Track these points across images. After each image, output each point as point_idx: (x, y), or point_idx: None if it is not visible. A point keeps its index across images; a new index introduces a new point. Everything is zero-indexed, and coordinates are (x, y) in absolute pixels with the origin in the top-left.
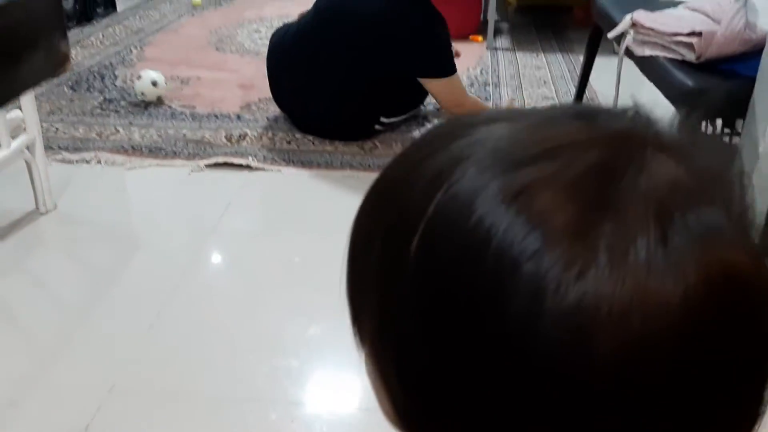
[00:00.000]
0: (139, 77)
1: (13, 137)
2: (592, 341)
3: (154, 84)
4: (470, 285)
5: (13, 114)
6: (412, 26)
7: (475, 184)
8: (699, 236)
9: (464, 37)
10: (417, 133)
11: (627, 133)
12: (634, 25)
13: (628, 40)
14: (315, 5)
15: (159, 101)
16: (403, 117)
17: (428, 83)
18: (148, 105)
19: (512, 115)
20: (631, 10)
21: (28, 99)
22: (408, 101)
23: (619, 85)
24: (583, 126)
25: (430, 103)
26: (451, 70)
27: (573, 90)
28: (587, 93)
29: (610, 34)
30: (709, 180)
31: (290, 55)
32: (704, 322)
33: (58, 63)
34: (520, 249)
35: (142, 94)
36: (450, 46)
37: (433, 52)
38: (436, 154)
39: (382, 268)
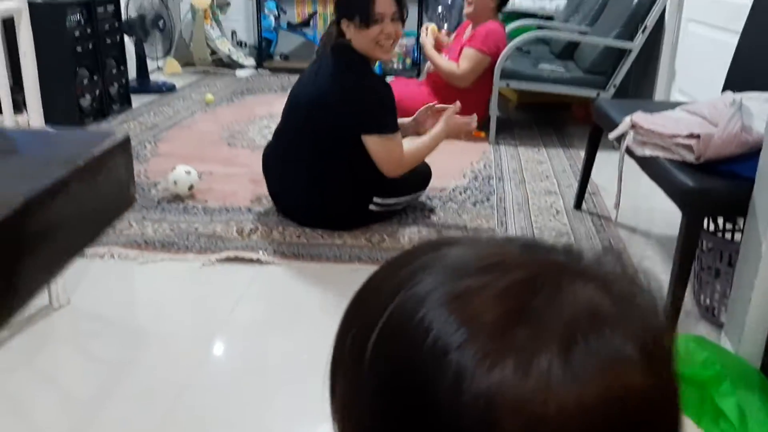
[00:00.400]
0: (173, 169)
1: None
2: (497, 422)
3: (188, 173)
4: (411, 368)
5: None
6: (350, 87)
7: (426, 289)
8: (602, 359)
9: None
10: (425, 222)
11: (554, 261)
12: (633, 126)
13: (629, 140)
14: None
15: (191, 192)
16: (405, 199)
17: (367, 140)
18: (183, 197)
19: (471, 241)
20: (629, 111)
21: None
22: (403, 181)
23: (621, 182)
24: (522, 252)
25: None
26: (389, 128)
27: (575, 184)
28: (589, 187)
29: (611, 135)
30: (624, 308)
31: (274, 153)
32: None
33: (128, 203)
34: (449, 341)
35: (175, 182)
36: (392, 108)
37: (370, 109)
38: (406, 266)
39: (351, 356)
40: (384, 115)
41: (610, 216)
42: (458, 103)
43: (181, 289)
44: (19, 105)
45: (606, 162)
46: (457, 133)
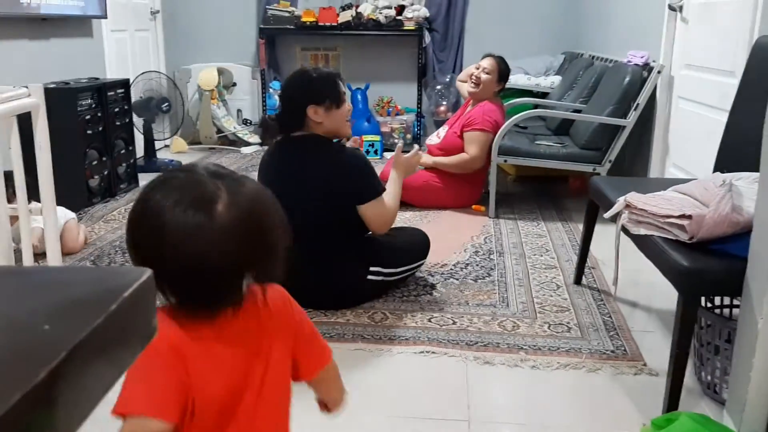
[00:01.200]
0: None
1: None
2: (163, 233)
3: None
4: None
5: None
6: (336, 162)
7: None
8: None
9: (467, 207)
10: (427, 299)
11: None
12: (627, 206)
13: (624, 219)
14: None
15: None
16: (406, 269)
17: (364, 209)
18: None
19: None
20: (624, 191)
21: None
22: (403, 252)
23: (618, 259)
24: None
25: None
26: (378, 191)
27: (574, 258)
28: (588, 261)
29: (606, 215)
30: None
31: None
32: (239, 233)
33: (150, 335)
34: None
35: None
36: (374, 170)
37: (360, 179)
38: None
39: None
40: (372, 181)
41: (610, 290)
42: (415, 146)
43: None
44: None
45: (604, 236)
46: (411, 169)
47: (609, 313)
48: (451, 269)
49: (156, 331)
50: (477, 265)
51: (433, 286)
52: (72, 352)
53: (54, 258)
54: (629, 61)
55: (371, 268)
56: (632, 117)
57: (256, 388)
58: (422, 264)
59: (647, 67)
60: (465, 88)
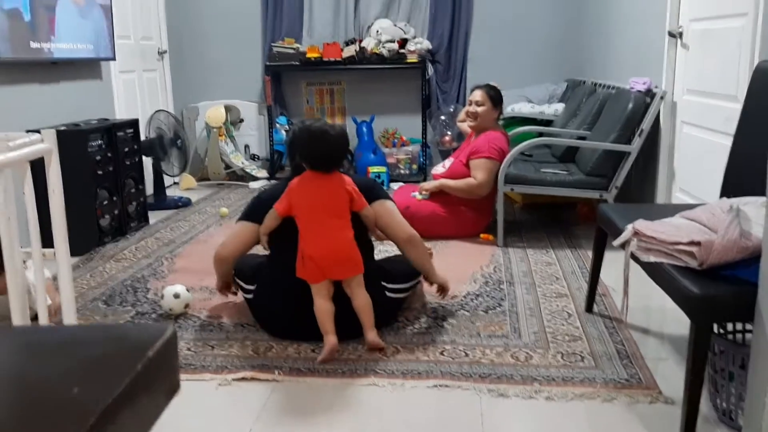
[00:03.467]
0: (162, 296)
1: None
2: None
3: (177, 296)
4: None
5: None
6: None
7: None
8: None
9: (475, 236)
10: (438, 331)
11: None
12: (636, 233)
13: (632, 247)
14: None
15: (186, 310)
16: (410, 285)
17: (382, 205)
18: (178, 317)
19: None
20: (631, 218)
21: (70, 317)
22: (407, 267)
23: (627, 286)
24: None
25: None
26: (389, 196)
27: (584, 286)
28: (599, 289)
29: (615, 242)
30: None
31: (283, 276)
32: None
33: (174, 390)
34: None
35: (171, 309)
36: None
37: (373, 185)
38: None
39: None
40: (381, 189)
41: (622, 317)
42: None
43: (197, 410)
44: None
45: (614, 263)
46: None
47: (621, 341)
48: (462, 300)
49: (179, 386)
50: (487, 295)
51: (444, 318)
52: (102, 415)
53: (69, 312)
54: (632, 88)
55: (388, 285)
56: (637, 143)
57: (327, 206)
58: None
59: (650, 93)
60: (466, 126)
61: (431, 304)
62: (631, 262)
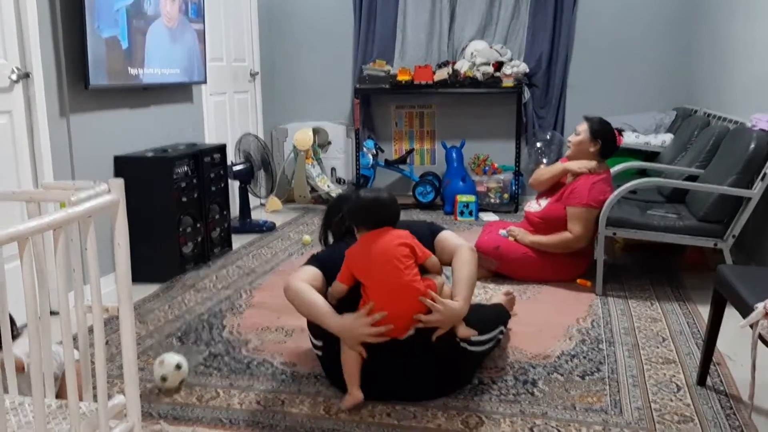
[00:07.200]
0: (161, 362)
1: (114, 425)
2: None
3: (179, 367)
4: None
5: (117, 400)
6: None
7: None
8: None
9: (572, 281)
10: (528, 399)
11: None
12: (767, 314)
13: (762, 328)
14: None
15: (180, 386)
16: (491, 336)
17: (444, 236)
18: (168, 391)
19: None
20: (758, 285)
21: (132, 383)
22: (487, 317)
23: (754, 372)
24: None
25: None
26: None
27: (695, 350)
28: (714, 357)
29: (741, 324)
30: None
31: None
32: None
33: None
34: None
35: (164, 378)
36: None
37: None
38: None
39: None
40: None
41: (740, 394)
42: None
43: None
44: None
45: (730, 324)
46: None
47: (741, 426)
48: (555, 361)
49: None
50: (584, 356)
51: (534, 383)
52: None
53: (133, 407)
54: (754, 125)
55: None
56: (759, 188)
57: (392, 264)
58: (505, 328)
59: None
60: (570, 167)
61: (520, 363)
62: (759, 342)
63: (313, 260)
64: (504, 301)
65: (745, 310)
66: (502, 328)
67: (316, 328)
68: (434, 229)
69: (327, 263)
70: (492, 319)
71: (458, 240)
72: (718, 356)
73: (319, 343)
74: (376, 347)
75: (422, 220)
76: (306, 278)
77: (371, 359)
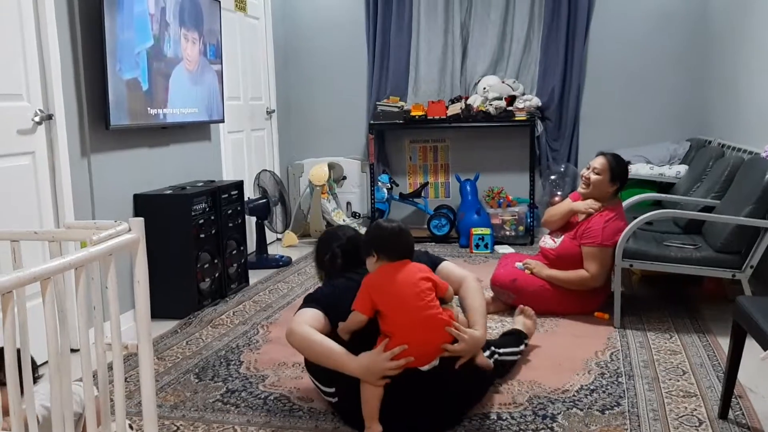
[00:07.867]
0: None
1: None
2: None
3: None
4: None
5: None
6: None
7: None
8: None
9: (589, 314)
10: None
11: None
12: None
13: None
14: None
15: None
16: (518, 348)
17: (445, 266)
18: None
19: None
20: None
21: (150, 421)
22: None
23: None
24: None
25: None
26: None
27: (716, 384)
28: (735, 390)
29: (762, 356)
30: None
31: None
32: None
33: None
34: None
35: None
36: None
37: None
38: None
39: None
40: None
41: (762, 427)
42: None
43: None
44: None
45: (750, 356)
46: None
47: None
48: (574, 396)
49: None
50: (603, 390)
51: (553, 418)
52: None
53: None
54: None
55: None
56: None
57: (419, 297)
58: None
59: None
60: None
61: (539, 398)
62: None
63: (311, 301)
64: (522, 323)
65: (765, 342)
66: (527, 341)
67: (322, 374)
68: (434, 260)
69: (328, 303)
70: (517, 339)
71: (462, 270)
72: (740, 389)
73: (330, 390)
74: (397, 379)
75: (419, 250)
76: (309, 321)
77: (390, 392)
